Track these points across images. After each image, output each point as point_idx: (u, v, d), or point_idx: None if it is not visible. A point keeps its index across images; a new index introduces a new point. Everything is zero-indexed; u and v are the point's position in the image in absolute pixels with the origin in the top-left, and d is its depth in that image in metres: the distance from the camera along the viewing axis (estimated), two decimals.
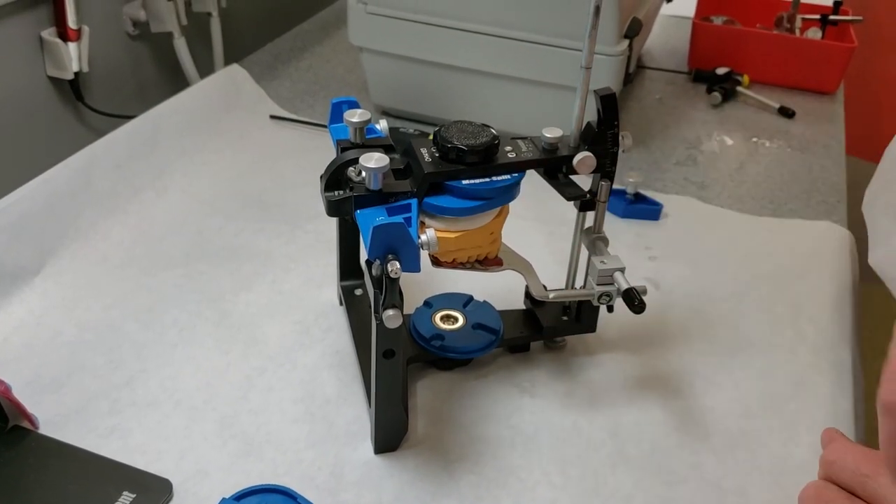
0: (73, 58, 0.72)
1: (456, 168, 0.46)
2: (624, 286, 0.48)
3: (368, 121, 0.48)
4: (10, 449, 0.47)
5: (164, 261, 0.63)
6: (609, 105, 0.48)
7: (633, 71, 0.91)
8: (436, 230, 0.44)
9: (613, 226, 0.70)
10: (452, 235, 0.46)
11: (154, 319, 0.58)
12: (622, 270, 0.49)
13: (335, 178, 0.46)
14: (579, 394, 0.53)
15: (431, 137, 0.47)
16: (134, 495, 0.44)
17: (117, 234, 0.66)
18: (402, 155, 0.48)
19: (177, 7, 0.81)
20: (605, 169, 0.50)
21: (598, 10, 0.46)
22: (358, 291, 0.58)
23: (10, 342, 0.55)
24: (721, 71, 0.96)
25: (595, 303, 0.50)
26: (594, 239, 0.52)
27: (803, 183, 0.79)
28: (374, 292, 0.42)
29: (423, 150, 0.47)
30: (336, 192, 0.45)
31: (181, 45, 0.84)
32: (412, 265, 0.41)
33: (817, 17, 0.98)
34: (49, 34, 0.72)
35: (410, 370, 0.53)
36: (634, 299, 0.48)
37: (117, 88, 0.82)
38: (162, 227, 0.67)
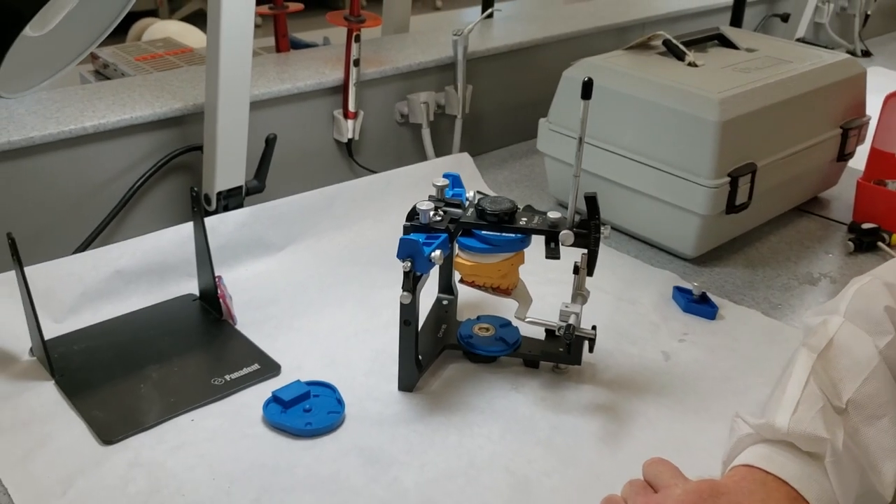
0: (350, 129, 1.13)
1: (479, 222, 0.73)
2: (569, 322, 0.71)
3: (446, 186, 0.78)
4: (215, 327, 0.83)
5: (354, 262, 0.98)
6: (592, 204, 0.72)
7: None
8: (460, 258, 0.73)
9: (671, 313, 0.89)
10: (468, 263, 0.74)
11: (330, 291, 0.92)
12: (577, 314, 0.72)
13: (412, 214, 0.75)
14: (548, 400, 0.76)
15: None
16: (258, 366, 0.78)
17: (337, 241, 1.02)
18: (464, 211, 0.76)
19: (427, 109, 1.19)
20: (590, 247, 0.73)
21: (580, 141, 0.71)
22: (444, 302, 0.87)
23: (248, 281, 0.93)
24: (867, 225, 1.07)
25: (557, 332, 0.73)
26: (576, 294, 0.75)
27: None
28: (403, 282, 0.71)
29: (472, 210, 0.75)
30: (408, 223, 0.75)
31: (426, 134, 1.21)
32: (422, 268, 0.70)
33: None
34: (337, 113, 1.13)
35: (451, 356, 0.81)
36: (571, 334, 0.70)
37: (380, 154, 1.21)
38: (366, 243, 1.02)
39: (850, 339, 0.64)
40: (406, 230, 0.74)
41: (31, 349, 0.78)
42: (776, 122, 1.00)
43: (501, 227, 0.74)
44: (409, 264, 0.69)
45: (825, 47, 1.50)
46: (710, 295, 0.92)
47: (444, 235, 0.73)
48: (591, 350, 0.78)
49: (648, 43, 1.12)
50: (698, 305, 0.90)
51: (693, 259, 1.02)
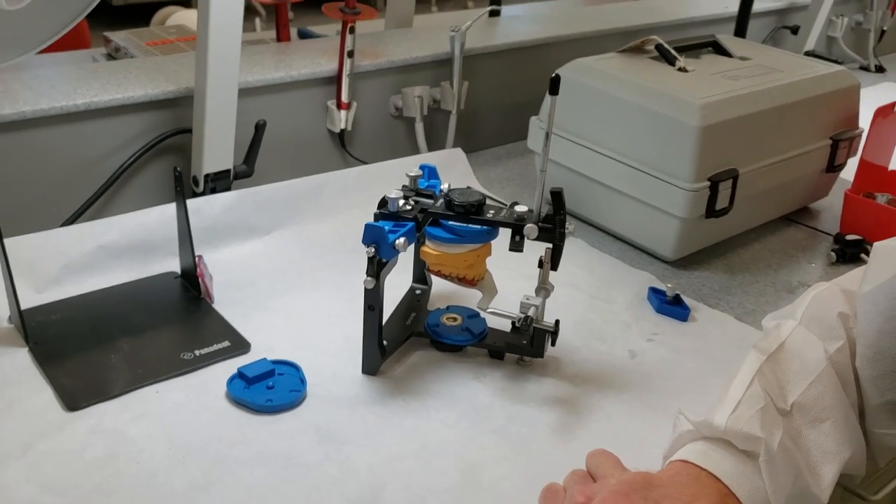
0: (342, 119, 1.14)
1: (447, 213, 0.75)
2: (528, 314, 0.72)
3: (419, 176, 0.79)
4: (192, 305, 0.85)
5: (335, 248, 0.99)
6: (557, 199, 0.73)
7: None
8: (427, 247, 0.74)
9: (643, 313, 0.90)
10: (434, 252, 0.75)
11: (309, 275, 0.93)
12: (536, 307, 0.73)
13: (383, 202, 0.77)
14: (509, 391, 0.77)
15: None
16: (229, 343, 0.79)
17: (322, 228, 1.03)
18: (434, 201, 0.78)
19: (421, 103, 1.21)
20: (554, 242, 0.74)
21: (547, 135, 0.72)
22: (418, 291, 0.88)
23: (230, 262, 0.94)
24: (852, 237, 1.07)
25: (516, 323, 0.74)
26: (539, 287, 0.76)
27: None
28: (367, 267, 0.73)
29: (441, 202, 0.76)
30: (378, 211, 0.76)
31: (419, 128, 1.22)
32: (386, 254, 0.71)
33: None
34: (331, 103, 1.15)
35: (418, 342, 0.82)
36: (528, 325, 0.72)
37: (373, 146, 1.23)
38: (351, 232, 1.03)
39: (801, 344, 0.65)
40: (375, 217, 0.75)
41: (9, 317, 0.80)
42: (761, 129, 1.00)
43: (468, 218, 0.75)
44: (374, 250, 0.71)
45: (835, 61, 1.51)
46: (683, 297, 0.92)
47: (410, 224, 0.74)
48: (552, 343, 0.79)
49: (643, 47, 1.13)
50: (671, 307, 0.91)
51: (673, 262, 1.02)
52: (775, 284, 1.00)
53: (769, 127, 1.01)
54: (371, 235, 0.71)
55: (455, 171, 1.19)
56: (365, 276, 0.72)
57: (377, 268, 0.72)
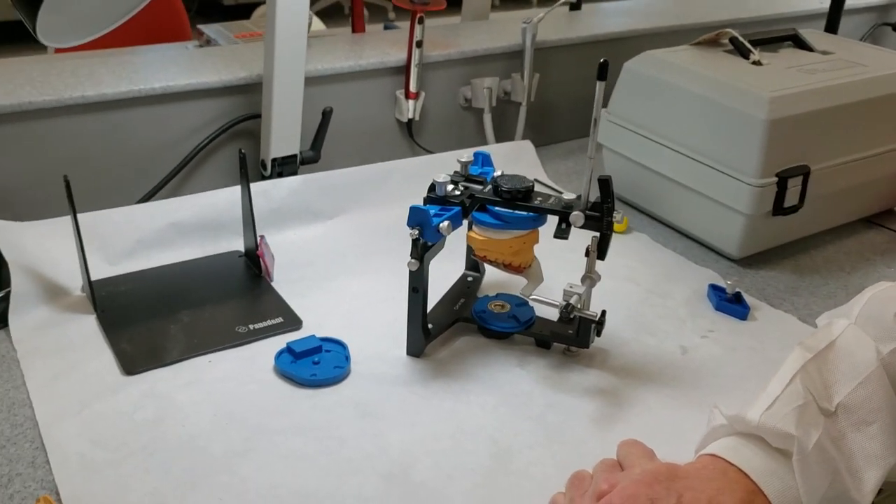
0: (410, 109, 1.16)
1: (493, 198, 0.75)
2: (569, 301, 0.72)
3: (470, 162, 0.80)
4: (252, 282, 0.89)
5: (396, 235, 1.01)
6: (605, 187, 0.72)
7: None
8: (473, 232, 0.75)
9: (701, 310, 0.88)
10: (479, 238, 0.76)
11: (367, 260, 0.95)
12: (579, 295, 0.73)
13: (432, 187, 0.78)
14: (551, 380, 0.76)
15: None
16: (282, 319, 0.82)
17: (385, 215, 1.05)
18: (482, 187, 0.78)
19: (490, 94, 1.21)
20: (601, 231, 0.73)
21: (595, 121, 0.71)
22: (469, 279, 0.89)
23: (293, 244, 0.97)
24: None
25: (560, 312, 0.74)
26: (585, 276, 0.75)
27: None
28: (411, 249, 0.74)
29: (489, 187, 0.77)
30: (427, 195, 0.77)
31: (487, 119, 1.23)
32: (430, 237, 0.72)
33: None
34: (399, 93, 1.17)
35: (466, 329, 0.82)
36: (569, 313, 0.71)
37: (441, 137, 1.24)
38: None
39: (851, 343, 0.62)
40: (424, 201, 0.76)
41: (81, 286, 0.85)
42: (837, 125, 0.96)
43: (515, 204, 0.75)
44: (418, 232, 0.72)
45: None
46: (744, 295, 0.90)
47: (456, 209, 0.75)
48: (598, 334, 0.78)
49: (717, 40, 1.10)
50: (730, 304, 0.88)
51: (739, 260, 0.99)
52: (847, 287, 0.95)
53: (846, 123, 0.97)
54: (415, 218, 0.72)
55: (522, 163, 1.19)
56: (410, 258, 0.73)
57: (421, 250, 0.73)
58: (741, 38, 1.05)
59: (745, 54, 1.04)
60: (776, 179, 0.92)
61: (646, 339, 0.83)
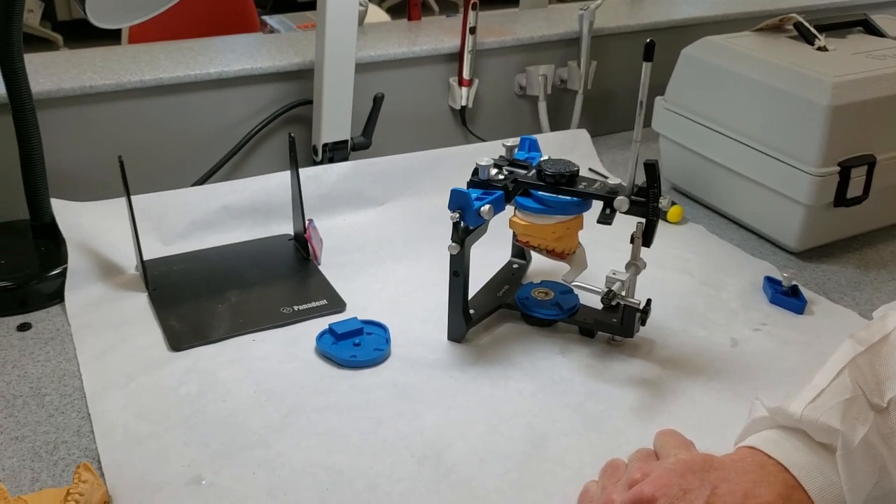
0: (463, 96, 1.15)
1: (537, 183, 0.74)
2: (611, 288, 0.70)
3: (515, 147, 0.79)
4: (300, 265, 0.90)
5: (445, 222, 1.00)
6: (651, 172, 0.70)
7: None
8: (516, 217, 0.74)
9: (755, 303, 0.85)
10: (522, 223, 0.75)
11: (414, 245, 0.95)
12: (622, 282, 0.71)
13: (476, 171, 0.77)
14: (593, 368, 0.75)
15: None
16: (326, 302, 0.83)
17: (434, 202, 1.04)
18: (526, 171, 0.77)
19: (545, 82, 1.20)
20: (647, 217, 0.72)
21: (641, 104, 0.69)
22: (515, 265, 0.88)
23: (342, 229, 0.98)
24: None
25: (602, 299, 0.72)
26: (629, 263, 0.74)
27: None
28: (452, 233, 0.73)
29: (533, 172, 0.76)
30: (470, 179, 0.77)
31: (542, 107, 1.21)
32: (471, 221, 0.72)
33: None
34: (453, 80, 1.16)
35: (509, 315, 0.82)
36: (610, 299, 0.70)
37: (494, 124, 1.23)
38: None
39: None
40: (468, 185, 0.76)
41: (136, 265, 0.87)
42: None
43: (558, 189, 0.74)
44: (459, 216, 0.72)
45: None
46: (801, 289, 0.86)
47: (499, 192, 0.74)
48: (643, 323, 0.77)
49: (781, 25, 1.06)
50: (786, 298, 0.86)
51: (799, 253, 0.96)
52: None
53: None
54: (456, 201, 0.72)
55: (578, 151, 1.17)
56: (451, 242, 0.73)
57: (462, 234, 0.72)
58: (806, 24, 1.01)
59: (809, 40, 1.00)
60: (838, 169, 0.88)
61: (695, 330, 0.81)
